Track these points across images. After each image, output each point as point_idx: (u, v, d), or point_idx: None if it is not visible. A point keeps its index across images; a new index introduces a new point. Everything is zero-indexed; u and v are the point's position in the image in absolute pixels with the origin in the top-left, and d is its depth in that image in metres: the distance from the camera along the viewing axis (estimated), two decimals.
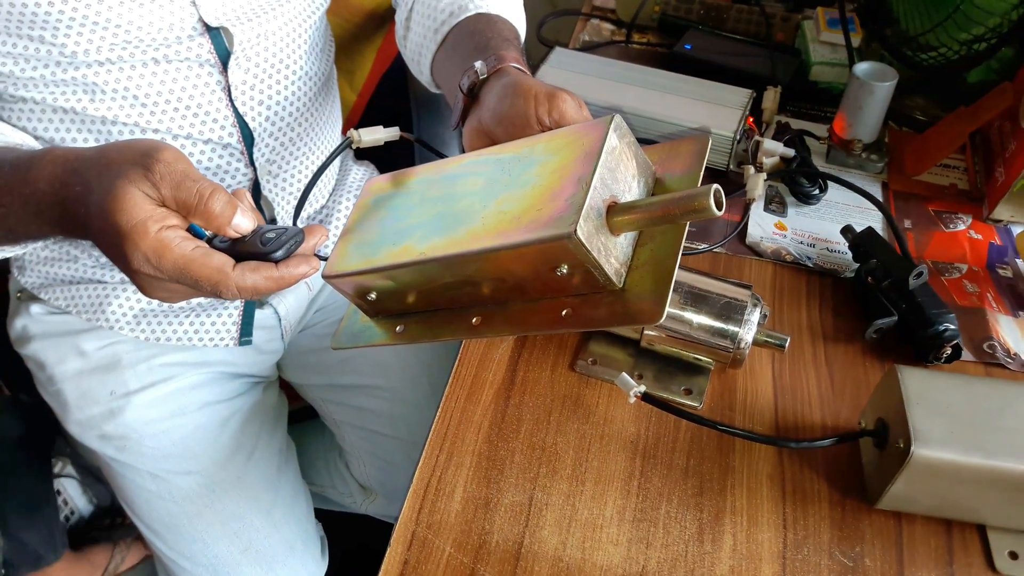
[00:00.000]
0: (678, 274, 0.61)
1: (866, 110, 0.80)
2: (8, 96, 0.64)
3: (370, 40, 1.08)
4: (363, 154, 0.97)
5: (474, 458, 0.59)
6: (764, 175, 0.78)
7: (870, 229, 0.70)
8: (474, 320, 0.51)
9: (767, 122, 0.88)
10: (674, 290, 0.60)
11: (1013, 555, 0.53)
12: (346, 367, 0.90)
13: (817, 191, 0.80)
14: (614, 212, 0.46)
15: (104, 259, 0.74)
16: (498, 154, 0.53)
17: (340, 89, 0.97)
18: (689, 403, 0.62)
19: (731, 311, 0.59)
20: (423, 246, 0.50)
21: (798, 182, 0.80)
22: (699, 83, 0.87)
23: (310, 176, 0.74)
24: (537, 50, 0.95)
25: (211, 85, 0.68)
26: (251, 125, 0.71)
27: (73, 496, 1.33)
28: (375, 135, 0.61)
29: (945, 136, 0.82)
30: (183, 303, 0.77)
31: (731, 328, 0.59)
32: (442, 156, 0.60)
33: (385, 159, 0.94)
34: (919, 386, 0.53)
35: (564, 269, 0.45)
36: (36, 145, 0.64)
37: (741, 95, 0.85)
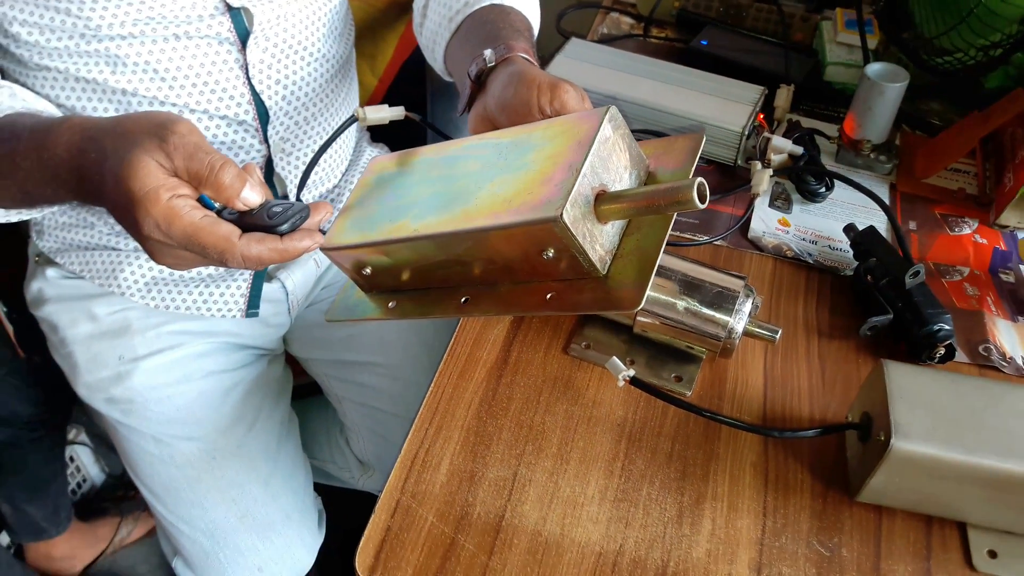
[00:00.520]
0: (673, 262, 0.62)
1: (876, 111, 0.80)
2: (33, 64, 0.67)
3: (392, 27, 1.09)
4: (378, 136, 0.99)
5: (463, 433, 0.60)
6: (770, 171, 0.79)
7: (872, 228, 0.70)
8: (463, 299, 0.53)
9: (779, 120, 0.88)
10: (668, 278, 0.61)
11: (992, 553, 0.53)
12: (350, 344, 0.92)
13: (823, 189, 0.80)
14: (602, 200, 0.47)
15: (119, 227, 0.76)
16: (497, 139, 0.54)
17: (361, 73, 0.98)
18: (678, 390, 0.62)
19: (723, 300, 0.60)
20: (417, 223, 0.51)
21: (805, 179, 0.80)
22: (711, 78, 0.87)
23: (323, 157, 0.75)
24: (555, 41, 0.96)
25: (229, 63, 0.70)
26: (267, 103, 0.73)
27: (86, 463, 1.36)
28: (380, 113, 0.62)
29: (957, 140, 0.82)
30: (193, 273, 0.79)
31: (722, 316, 0.59)
32: (448, 139, 0.61)
33: (400, 142, 0.96)
34: (904, 381, 0.53)
35: (551, 253, 0.46)
36: (57, 112, 0.66)
37: (752, 91, 0.85)
